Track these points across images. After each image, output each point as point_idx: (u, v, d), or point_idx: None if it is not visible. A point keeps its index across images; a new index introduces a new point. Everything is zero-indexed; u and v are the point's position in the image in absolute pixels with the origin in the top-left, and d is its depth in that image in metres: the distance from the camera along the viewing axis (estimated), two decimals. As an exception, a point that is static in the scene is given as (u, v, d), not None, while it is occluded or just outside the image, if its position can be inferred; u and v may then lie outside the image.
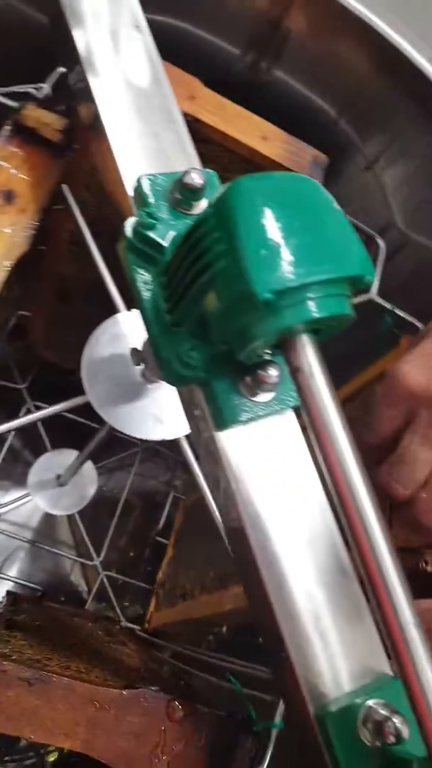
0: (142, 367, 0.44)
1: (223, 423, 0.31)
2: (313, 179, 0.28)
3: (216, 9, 0.62)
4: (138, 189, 0.34)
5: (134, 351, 0.41)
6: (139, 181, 0.34)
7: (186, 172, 0.32)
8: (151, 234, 0.31)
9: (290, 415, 0.33)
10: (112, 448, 0.94)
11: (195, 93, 0.55)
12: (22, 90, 0.49)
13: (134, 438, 0.48)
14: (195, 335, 0.29)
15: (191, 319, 0.29)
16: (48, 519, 0.91)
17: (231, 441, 0.32)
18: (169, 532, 0.89)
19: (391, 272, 0.65)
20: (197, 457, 0.50)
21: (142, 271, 0.31)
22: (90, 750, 0.37)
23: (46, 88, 0.49)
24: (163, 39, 0.43)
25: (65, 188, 0.51)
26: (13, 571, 0.88)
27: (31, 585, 0.87)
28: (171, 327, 0.30)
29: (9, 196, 0.46)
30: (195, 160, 0.38)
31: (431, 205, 0.64)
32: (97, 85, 0.39)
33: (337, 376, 0.50)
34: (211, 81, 0.58)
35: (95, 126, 0.38)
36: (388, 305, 0.63)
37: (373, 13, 0.56)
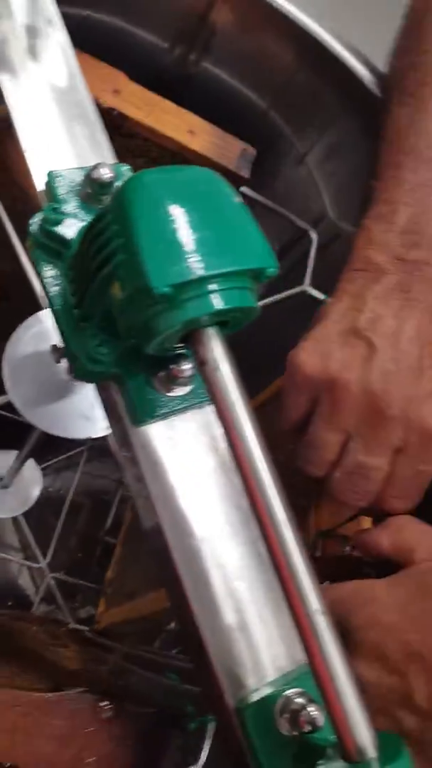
0: (66, 364, 0.43)
1: (138, 419, 0.31)
2: (214, 172, 0.27)
3: (143, 2, 0.61)
4: (48, 184, 0.33)
5: (54, 348, 0.40)
6: (48, 176, 0.33)
7: (95, 167, 0.32)
8: (56, 229, 0.31)
9: (208, 409, 0.33)
10: (58, 448, 0.93)
11: (120, 87, 0.54)
12: None
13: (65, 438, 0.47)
14: (103, 330, 0.29)
15: (98, 314, 0.28)
16: (-9, 523, 0.90)
17: (148, 436, 0.32)
18: (119, 530, 0.88)
19: (325, 263, 0.65)
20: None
21: (49, 267, 0.31)
22: (8, 757, 0.36)
23: None
24: (89, 33, 0.43)
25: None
26: None
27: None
28: (79, 322, 0.29)
29: None
30: (108, 154, 0.37)
31: (361, 195, 0.65)
32: (7, 80, 0.38)
33: (273, 369, 0.50)
34: (139, 74, 0.58)
35: (6, 122, 0.38)
36: (322, 296, 0.63)
37: (296, 7, 0.56)
